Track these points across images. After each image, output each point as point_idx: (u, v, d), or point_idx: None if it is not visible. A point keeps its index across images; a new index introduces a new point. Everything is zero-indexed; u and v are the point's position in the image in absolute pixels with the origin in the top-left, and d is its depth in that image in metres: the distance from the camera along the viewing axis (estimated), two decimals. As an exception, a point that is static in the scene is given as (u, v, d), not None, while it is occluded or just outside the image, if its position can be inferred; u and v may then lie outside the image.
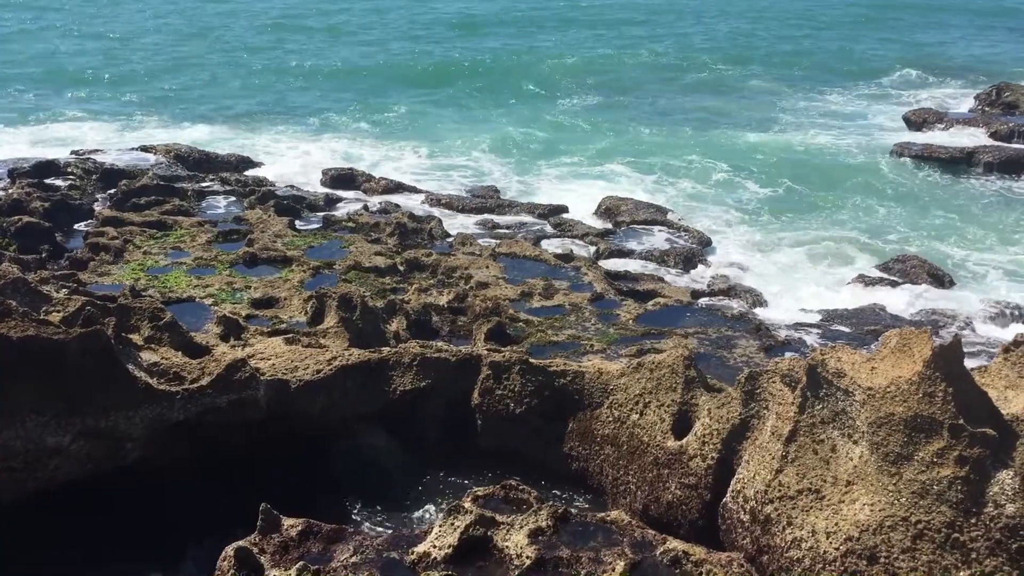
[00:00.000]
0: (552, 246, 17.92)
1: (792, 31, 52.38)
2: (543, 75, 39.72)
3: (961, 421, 7.15)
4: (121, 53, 42.41)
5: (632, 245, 18.28)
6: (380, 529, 9.47)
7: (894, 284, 16.85)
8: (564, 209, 20.98)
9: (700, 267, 17.39)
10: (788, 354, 12.21)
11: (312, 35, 48.42)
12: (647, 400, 9.88)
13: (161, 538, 9.39)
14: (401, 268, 15.60)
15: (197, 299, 13.78)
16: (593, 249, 17.97)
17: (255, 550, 7.86)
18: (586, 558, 7.82)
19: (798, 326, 14.54)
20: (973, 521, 6.98)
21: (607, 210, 20.69)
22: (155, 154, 23.50)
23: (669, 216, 20.24)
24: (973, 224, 21.61)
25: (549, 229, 19.32)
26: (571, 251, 17.37)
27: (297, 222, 18.10)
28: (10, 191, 18.93)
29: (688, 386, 9.73)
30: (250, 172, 23.49)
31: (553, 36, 50.03)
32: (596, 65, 41.85)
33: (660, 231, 19.27)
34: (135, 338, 10.63)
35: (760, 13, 58.79)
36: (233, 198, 20.05)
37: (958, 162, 26.62)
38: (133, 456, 9.56)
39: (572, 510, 8.55)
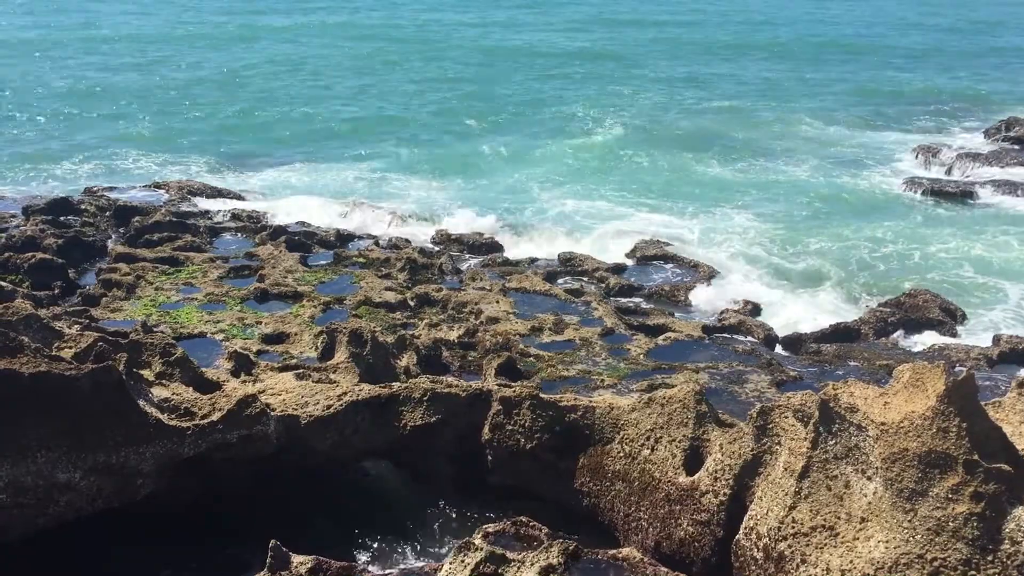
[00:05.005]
0: (562, 281, 17.93)
1: (803, 64, 52.84)
2: (561, 109, 40.10)
3: (976, 457, 7.08)
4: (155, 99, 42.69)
5: (643, 280, 18.27)
6: (390, 567, 9.40)
7: (905, 319, 16.76)
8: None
9: (711, 302, 17.34)
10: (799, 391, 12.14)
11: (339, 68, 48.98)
12: (658, 435, 9.81)
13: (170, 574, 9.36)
14: (411, 303, 15.63)
15: (208, 335, 13.83)
16: (603, 284, 17.97)
17: (264, 587, 7.82)
18: (598, 596, 7.74)
19: (810, 360, 14.47)
20: (990, 559, 6.88)
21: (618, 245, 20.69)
22: (167, 191, 23.69)
23: (680, 250, 20.24)
24: (983, 259, 21.54)
25: (559, 265, 19.33)
26: (581, 286, 17.37)
27: (308, 258, 18.17)
28: (24, 228, 19.09)
29: (699, 421, 9.66)
30: (263, 206, 23.63)
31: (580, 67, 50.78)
32: (616, 100, 42.17)
33: (671, 266, 19.27)
34: (146, 374, 10.66)
35: (772, 47, 59.31)
36: (244, 235, 20.17)
37: (966, 196, 26.68)
38: (144, 492, 9.54)
39: (583, 547, 8.47)
